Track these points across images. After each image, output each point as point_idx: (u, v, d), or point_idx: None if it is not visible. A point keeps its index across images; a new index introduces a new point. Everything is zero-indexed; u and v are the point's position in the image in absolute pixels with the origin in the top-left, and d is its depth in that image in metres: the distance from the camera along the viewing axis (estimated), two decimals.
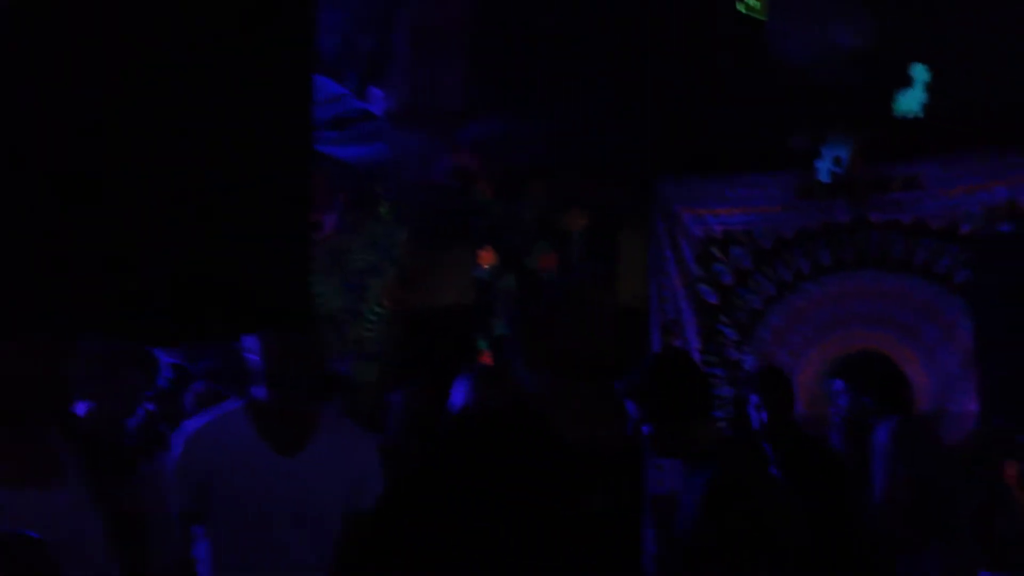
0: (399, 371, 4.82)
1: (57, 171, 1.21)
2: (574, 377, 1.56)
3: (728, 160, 4.61)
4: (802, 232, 4.57)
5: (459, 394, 2.32)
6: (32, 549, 1.36)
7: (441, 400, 2.42)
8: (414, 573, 1.44)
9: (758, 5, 2.97)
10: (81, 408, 2.56)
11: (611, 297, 4.70)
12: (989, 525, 3.45)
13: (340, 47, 3.09)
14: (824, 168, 3.88)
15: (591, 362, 1.55)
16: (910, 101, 3.06)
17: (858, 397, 2.77)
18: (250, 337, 1.99)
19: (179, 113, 1.26)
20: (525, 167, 4.73)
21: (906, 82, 3.05)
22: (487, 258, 4.54)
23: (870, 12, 2.99)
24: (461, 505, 1.44)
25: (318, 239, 4.91)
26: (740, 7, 3.04)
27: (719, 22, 3.31)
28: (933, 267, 4.29)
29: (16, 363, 1.59)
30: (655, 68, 3.63)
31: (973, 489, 4.06)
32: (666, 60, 3.58)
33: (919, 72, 3.06)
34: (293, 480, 2.02)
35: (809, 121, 3.88)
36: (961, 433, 4.07)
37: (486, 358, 4.34)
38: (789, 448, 3.19)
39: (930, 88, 3.05)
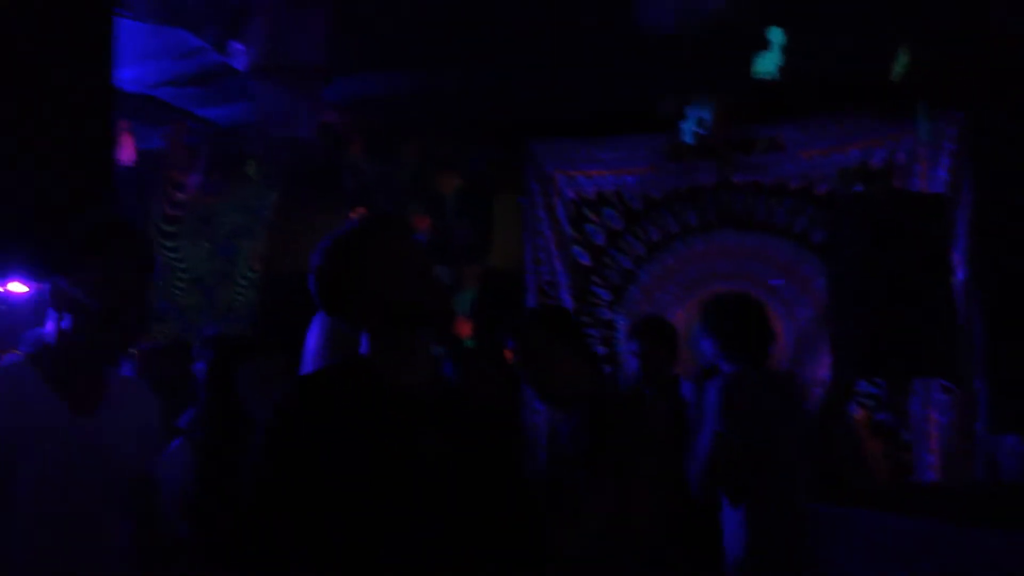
0: (271, 335, 4.74)
1: None
2: (399, 326, 1.57)
3: (600, 122, 4.67)
4: (670, 193, 4.69)
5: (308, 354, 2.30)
6: None
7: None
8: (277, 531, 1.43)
9: None
10: None
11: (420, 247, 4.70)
12: (840, 472, 3.60)
13: None
14: (688, 130, 3.98)
15: (413, 311, 1.56)
16: (767, 63, 3.15)
17: (710, 338, 2.79)
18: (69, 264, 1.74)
19: None
20: (398, 128, 4.69)
21: (764, 45, 3.14)
22: None
23: None
24: (315, 462, 1.43)
25: (183, 200, 4.76)
26: None
27: None
28: (792, 226, 4.47)
29: None
30: (525, 30, 3.63)
31: (825, 440, 4.27)
32: (536, 22, 3.59)
33: (775, 35, 3.15)
34: (95, 442, 1.78)
35: (674, 84, 3.96)
36: (815, 385, 4.27)
37: None
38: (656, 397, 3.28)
39: (787, 51, 3.14)
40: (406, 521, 1.46)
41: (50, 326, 1.80)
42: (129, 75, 3.39)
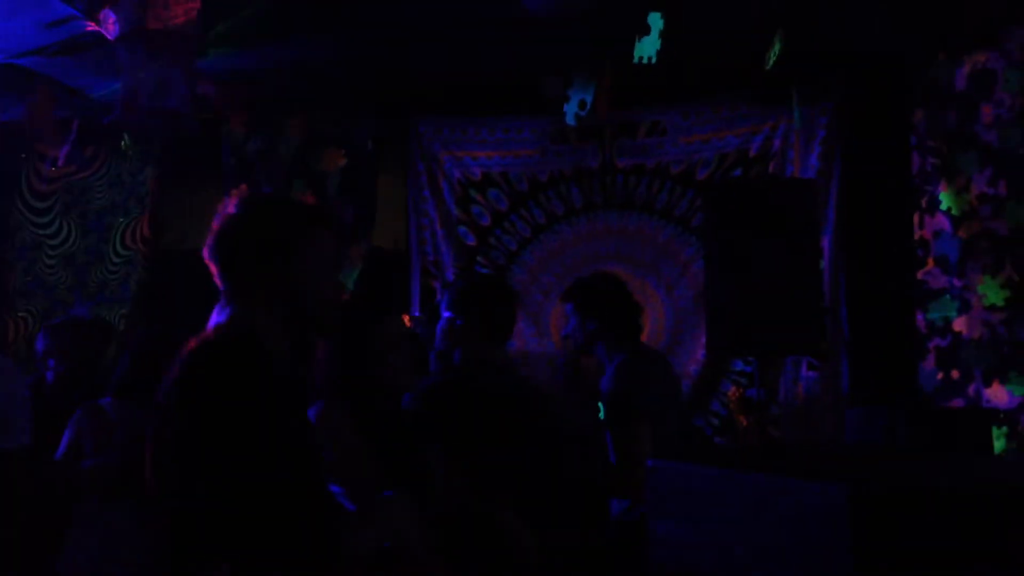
0: (147, 316, 4.61)
1: None
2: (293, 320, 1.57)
3: (487, 103, 4.69)
4: (556, 175, 4.74)
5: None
6: None
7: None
8: None
9: None
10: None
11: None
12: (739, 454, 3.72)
13: None
14: (570, 112, 4.03)
15: (313, 318, 1.58)
16: (646, 48, 3.21)
17: (584, 320, 2.83)
18: None
19: None
20: (281, 103, 4.60)
21: (644, 29, 3.20)
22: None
23: None
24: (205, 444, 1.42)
25: (53, 175, 4.58)
26: None
27: None
28: (673, 210, 4.58)
29: None
30: (413, 7, 3.61)
31: (701, 414, 4.41)
32: (423, 3, 3.57)
33: (655, 20, 3.22)
34: None
35: (558, 66, 4.01)
36: (693, 363, 4.40)
37: None
38: None
39: (667, 36, 3.21)
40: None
41: None
42: None
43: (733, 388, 4.06)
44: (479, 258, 4.78)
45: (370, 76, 4.31)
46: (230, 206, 1.62)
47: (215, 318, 1.59)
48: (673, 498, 1.58)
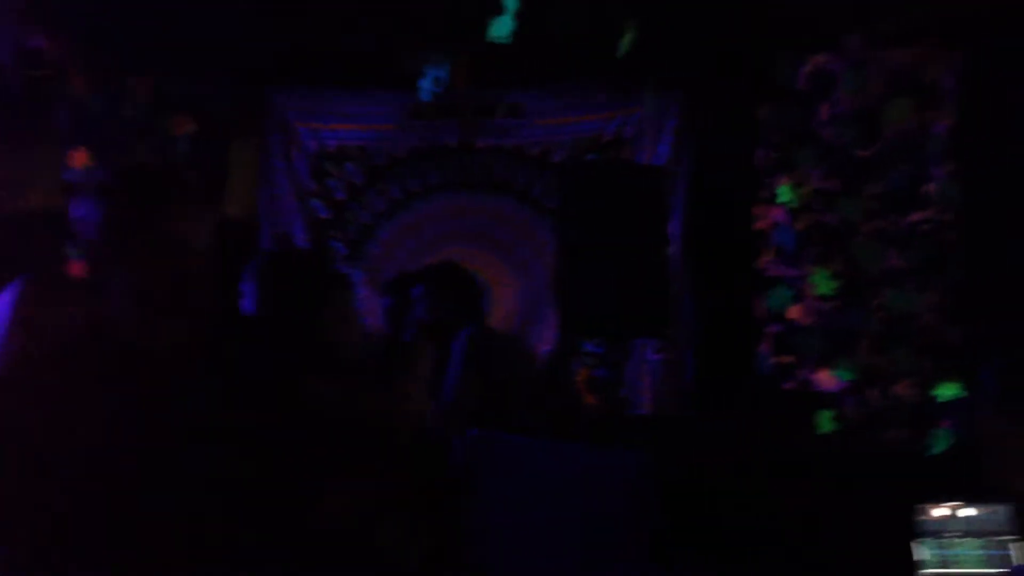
0: None
1: None
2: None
3: (345, 76, 4.60)
4: (414, 152, 4.71)
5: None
6: None
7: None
8: None
9: None
10: None
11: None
12: (562, 426, 3.81)
13: None
14: (425, 88, 4.01)
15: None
16: (501, 28, 3.23)
17: (437, 302, 2.87)
18: None
19: None
20: (126, 63, 4.37)
21: (499, 9, 3.21)
22: (79, 159, 4.16)
23: None
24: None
25: None
26: None
27: None
28: (530, 191, 4.63)
29: None
30: None
31: (551, 394, 4.50)
32: None
33: (509, 0, 3.23)
34: None
35: (417, 42, 3.97)
36: (545, 343, 4.48)
37: (74, 267, 4.01)
38: None
39: (523, 18, 3.23)
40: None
41: None
42: None
43: (582, 369, 4.16)
44: (333, 232, 4.70)
45: (225, 41, 4.15)
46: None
47: None
48: (491, 465, 1.65)
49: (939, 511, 2.85)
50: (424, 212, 4.71)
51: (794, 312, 4.20)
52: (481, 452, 1.64)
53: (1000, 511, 2.70)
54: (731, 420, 3.34)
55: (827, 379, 4.09)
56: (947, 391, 3.89)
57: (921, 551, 2.75)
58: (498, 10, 3.20)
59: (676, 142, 4.48)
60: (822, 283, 4.18)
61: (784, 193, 4.26)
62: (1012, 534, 2.73)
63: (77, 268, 4.25)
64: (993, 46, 3.81)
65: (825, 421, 4.02)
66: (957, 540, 2.76)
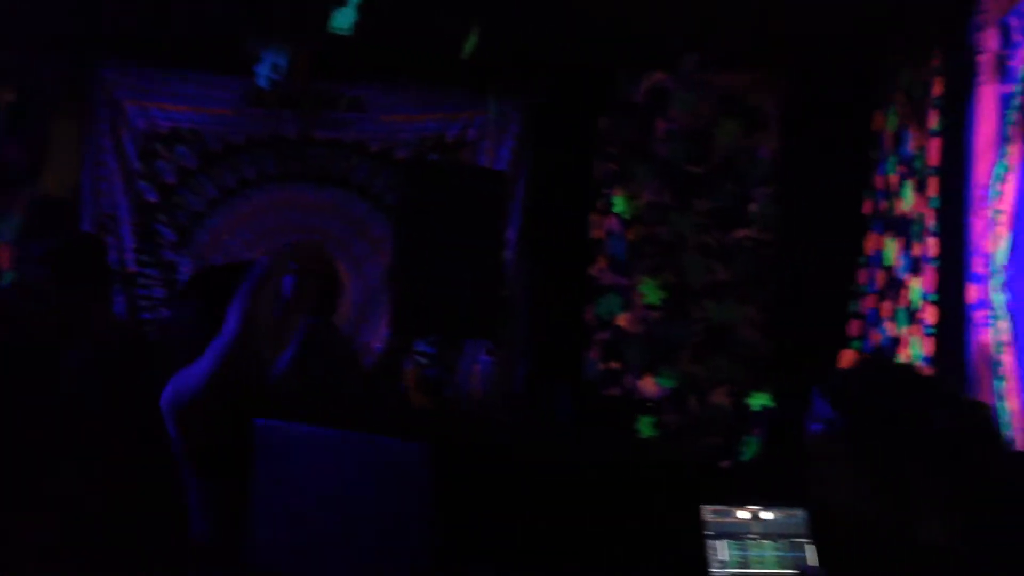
0: None
1: None
2: None
3: (182, 56, 4.42)
4: (251, 139, 4.57)
5: None
6: None
7: None
8: None
9: None
10: None
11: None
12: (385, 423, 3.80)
13: None
14: (262, 74, 3.91)
15: None
16: (342, 20, 3.18)
17: (307, 283, 2.85)
18: None
19: None
20: None
21: (340, 1, 3.17)
22: None
23: None
24: None
25: None
26: None
27: None
28: (369, 187, 4.59)
29: None
30: None
31: (380, 391, 4.47)
32: None
33: None
34: None
35: (258, 27, 3.87)
36: (378, 340, 4.45)
37: None
38: None
39: (365, 11, 3.20)
40: None
41: None
42: None
43: (412, 367, 4.15)
44: (160, 216, 4.51)
45: (54, 13, 3.92)
46: None
47: None
48: (277, 455, 1.63)
49: (741, 514, 3.00)
50: (259, 202, 4.58)
51: (623, 320, 4.32)
52: (263, 440, 1.62)
53: (797, 515, 2.87)
54: (553, 423, 3.41)
55: (650, 386, 4.23)
56: (758, 400, 4.10)
57: (722, 551, 2.88)
58: (341, 1, 3.15)
59: (517, 148, 4.54)
60: (650, 293, 4.32)
61: (618, 204, 4.39)
62: (807, 537, 2.90)
63: None
64: (815, 74, 4.04)
65: (646, 427, 4.16)
66: (755, 541, 2.91)
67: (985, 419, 1.64)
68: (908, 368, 2.85)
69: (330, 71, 4.25)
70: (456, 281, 3.77)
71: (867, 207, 4.03)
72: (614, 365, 4.30)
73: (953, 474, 1.53)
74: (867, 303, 3.95)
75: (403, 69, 4.43)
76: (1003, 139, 2.70)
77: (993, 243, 2.71)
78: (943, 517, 1.54)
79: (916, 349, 3.43)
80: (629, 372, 4.28)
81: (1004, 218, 2.68)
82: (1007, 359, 2.65)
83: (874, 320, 3.86)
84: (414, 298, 3.80)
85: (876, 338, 3.79)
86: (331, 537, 1.46)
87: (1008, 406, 2.62)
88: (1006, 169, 2.69)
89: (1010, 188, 2.66)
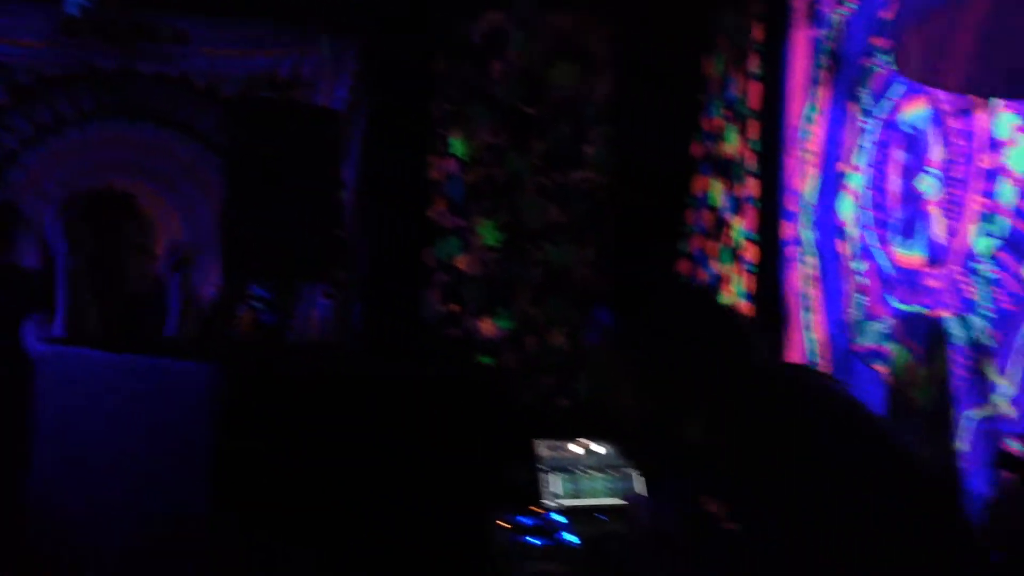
0: None
1: None
2: None
3: None
4: (67, 73, 4.29)
5: None
6: None
7: None
8: None
9: None
10: None
11: None
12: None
13: None
14: (72, 1, 3.67)
15: None
16: None
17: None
18: None
19: None
20: None
21: None
22: None
23: None
24: None
25: None
26: None
27: None
28: (195, 125, 4.39)
29: None
30: None
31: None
32: None
33: None
34: None
35: None
36: (211, 285, 4.31)
37: None
38: None
39: None
40: None
41: None
42: None
43: (247, 312, 4.04)
44: None
45: None
46: None
47: None
48: (59, 382, 1.59)
49: (574, 448, 3.10)
50: (77, 140, 4.32)
51: (462, 262, 4.34)
52: (46, 367, 1.58)
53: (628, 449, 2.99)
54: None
55: (489, 327, 4.28)
56: None
57: (555, 484, 2.97)
58: None
59: (354, 87, 4.44)
60: (489, 234, 4.35)
61: (456, 146, 4.38)
62: (633, 467, 3.02)
63: None
64: (647, 17, 4.11)
65: None
66: (587, 474, 3.02)
67: (735, 327, 1.76)
68: (687, 286, 3.01)
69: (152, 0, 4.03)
70: (291, 223, 3.70)
71: (696, 149, 4.17)
72: (453, 307, 4.32)
73: (710, 381, 1.64)
74: (695, 243, 4.11)
75: (234, 1, 4.25)
76: (814, 82, 2.83)
77: (803, 182, 2.85)
78: (702, 418, 1.65)
79: (738, 286, 3.60)
80: (468, 314, 4.31)
81: (814, 158, 2.83)
82: (814, 293, 2.82)
83: (701, 259, 4.02)
84: (247, 241, 3.71)
85: (703, 276, 3.96)
86: (109, 470, 1.42)
87: (815, 336, 2.80)
88: (816, 111, 2.83)
89: (819, 129, 2.80)
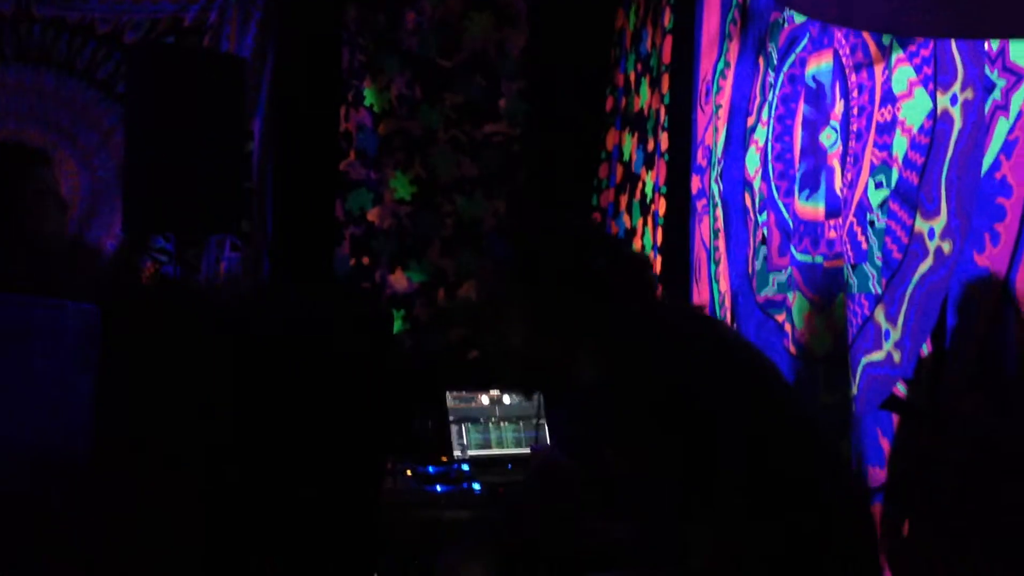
0: None
1: None
2: None
3: None
4: None
5: None
6: None
7: None
8: None
9: None
10: None
11: None
12: None
13: None
14: None
15: None
16: None
17: None
18: None
19: None
20: None
21: None
22: None
23: None
24: None
25: None
26: None
27: None
28: (95, 72, 4.23)
29: None
30: None
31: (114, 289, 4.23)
32: None
33: None
34: None
35: None
36: (111, 238, 4.18)
37: None
38: None
39: None
40: None
41: None
42: None
43: (149, 264, 3.95)
44: None
45: None
46: None
47: None
48: None
49: (483, 399, 3.11)
50: None
51: (373, 215, 4.29)
52: None
53: (534, 399, 3.01)
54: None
55: (400, 280, 4.25)
56: None
57: (464, 434, 2.99)
58: None
59: (261, 35, 4.32)
60: (401, 187, 4.31)
61: (369, 97, 4.31)
62: (541, 418, 3.06)
63: None
64: None
65: (397, 321, 4.19)
66: (495, 424, 3.04)
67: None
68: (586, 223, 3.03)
69: None
70: (195, 174, 3.60)
71: (608, 104, 4.18)
72: (365, 260, 4.28)
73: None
74: (607, 197, 4.13)
75: None
76: (724, 36, 2.85)
77: (712, 136, 2.88)
78: (592, 358, 1.66)
79: (648, 239, 3.63)
80: (380, 267, 4.27)
81: (723, 112, 2.86)
82: (720, 244, 2.86)
83: (613, 213, 4.05)
84: (149, 192, 3.61)
85: (615, 230, 3.99)
86: None
87: (720, 288, 2.85)
88: (726, 65, 2.86)
89: (728, 83, 2.83)
